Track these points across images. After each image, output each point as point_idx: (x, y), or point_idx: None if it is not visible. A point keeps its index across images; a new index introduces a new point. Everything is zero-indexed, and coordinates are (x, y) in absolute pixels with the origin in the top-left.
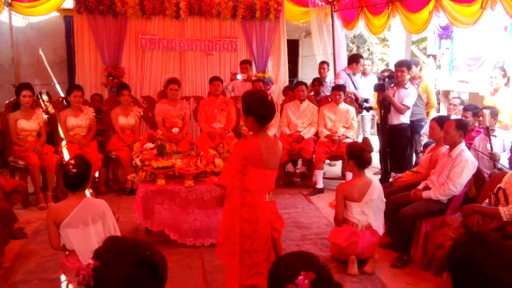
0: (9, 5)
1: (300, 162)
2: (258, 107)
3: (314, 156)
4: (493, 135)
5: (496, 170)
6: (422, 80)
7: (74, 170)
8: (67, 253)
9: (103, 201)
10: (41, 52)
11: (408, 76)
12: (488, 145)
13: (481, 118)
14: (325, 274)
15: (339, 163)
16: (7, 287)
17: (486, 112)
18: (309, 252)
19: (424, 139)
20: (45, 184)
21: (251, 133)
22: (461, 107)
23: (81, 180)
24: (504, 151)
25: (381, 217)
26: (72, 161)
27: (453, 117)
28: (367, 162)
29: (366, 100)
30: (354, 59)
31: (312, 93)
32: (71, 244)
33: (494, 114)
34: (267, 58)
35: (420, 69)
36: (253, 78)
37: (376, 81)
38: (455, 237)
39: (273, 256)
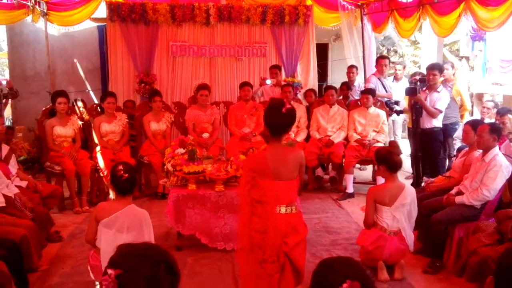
0: (45, 14)
1: (330, 166)
2: (269, 117)
3: (344, 160)
4: None
5: None
6: (455, 82)
7: (126, 175)
8: (95, 249)
9: (145, 211)
10: (75, 60)
11: (441, 79)
12: None
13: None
14: (370, 286)
15: (369, 168)
16: None
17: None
18: (357, 260)
19: (457, 143)
20: (80, 188)
21: None
22: (495, 110)
23: (132, 184)
24: None
25: (411, 227)
26: (121, 167)
27: (486, 120)
28: (397, 165)
29: (396, 102)
30: (375, 62)
31: (341, 97)
32: (100, 243)
33: None
34: (296, 62)
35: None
36: (283, 83)
37: (408, 85)
38: (490, 243)
39: (289, 269)
